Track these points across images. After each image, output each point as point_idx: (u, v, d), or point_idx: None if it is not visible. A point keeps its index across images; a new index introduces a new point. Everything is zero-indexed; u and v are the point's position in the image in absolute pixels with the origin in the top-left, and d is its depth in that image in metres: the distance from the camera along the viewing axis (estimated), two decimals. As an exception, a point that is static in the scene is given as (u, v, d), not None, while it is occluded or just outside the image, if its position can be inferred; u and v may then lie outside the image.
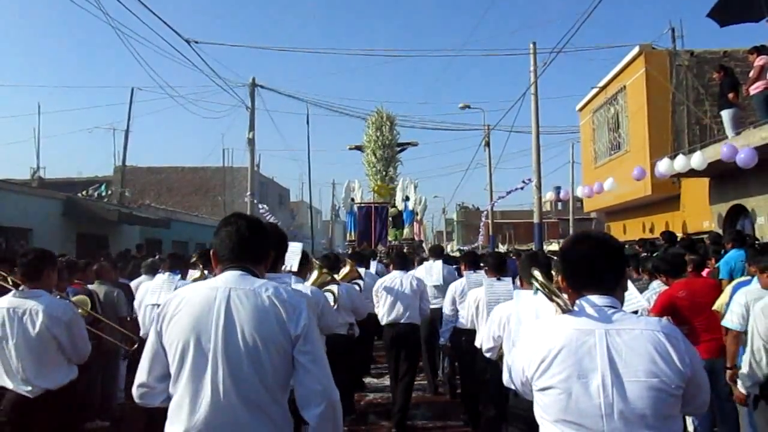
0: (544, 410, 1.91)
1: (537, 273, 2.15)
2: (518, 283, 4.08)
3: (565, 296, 2.03)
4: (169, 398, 2.02)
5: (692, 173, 11.05)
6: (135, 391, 2.11)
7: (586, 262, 1.98)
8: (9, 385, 3.58)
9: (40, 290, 3.68)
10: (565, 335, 1.87)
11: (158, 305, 3.61)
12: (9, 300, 3.63)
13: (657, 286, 5.76)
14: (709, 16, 10.24)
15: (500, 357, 3.82)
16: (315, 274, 4.78)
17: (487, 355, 3.96)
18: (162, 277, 5.85)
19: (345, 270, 5.79)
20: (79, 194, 20.50)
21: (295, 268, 5.19)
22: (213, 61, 45.61)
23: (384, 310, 6.44)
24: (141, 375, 2.09)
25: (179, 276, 5.46)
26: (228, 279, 2.07)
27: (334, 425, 2.01)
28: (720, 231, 11.29)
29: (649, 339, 1.83)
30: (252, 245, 2.17)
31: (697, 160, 9.64)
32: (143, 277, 6.86)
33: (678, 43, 13.65)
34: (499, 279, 4.85)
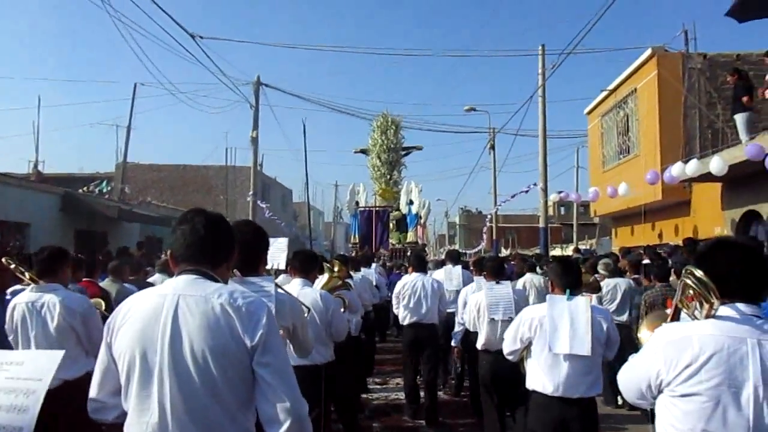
0: (678, 419, 1.82)
1: (699, 273, 1.96)
2: (549, 286, 4.01)
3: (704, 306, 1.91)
4: (123, 413, 1.87)
5: (706, 178, 10.78)
6: (89, 405, 1.97)
7: (737, 269, 1.91)
8: None
9: (57, 284, 3.90)
10: (716, 342, 1.80)
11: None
12: (28, 295, 3.85)
13: (659, 290, 5.63)
14: (728, 15, 10.00)
15: (521, 360, 3.79)
16: (326, 277, 4.64)
17: (509, 358, 3.87)
18: None
19: (323, 280, 5.73)
20: (80, 190, 20.30)
21: (282, 266, 5.25)
22: (218, 58, 45.15)
23: (406, 312, 6.65)
24: (92, 390, 1.95)
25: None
26: (178, 284, 1.88)
27: None
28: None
29: None
30: (210, 245, 1.95)
31: (717, 164, 9.36)
32: (157, 276, 6.85)
33: (691, 46, 13.42)
34: (497, 282, 5.17)
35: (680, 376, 1.81)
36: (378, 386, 8.11)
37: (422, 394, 6.68)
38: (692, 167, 10.33)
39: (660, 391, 1.87)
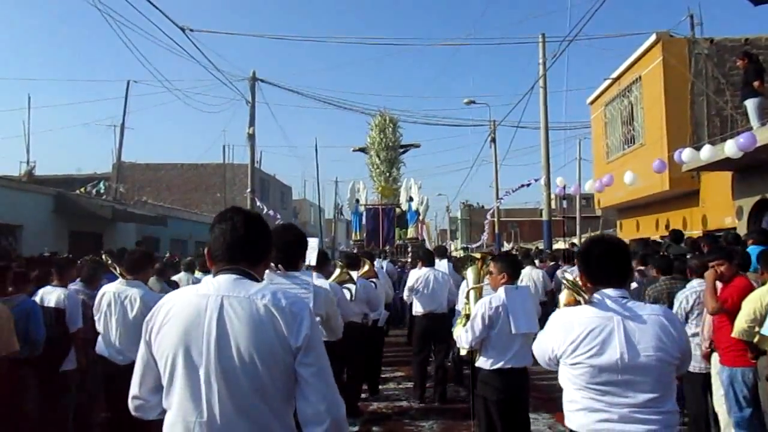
0: (571, 380, 2.39)
1: (569, 275, 2.76)
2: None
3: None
4: (164, 412, 1.87)
5: (715, 166, 10.41)
6: (130, 403, 1.98)
7: (603, 261, 2.46)
8: (105, 353, 4.65)
9: (140, 281, 4.74)
10: (589, 322, 2.35)
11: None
12: (116, 286, 4.68)
13: (697, 285, 5.31)
14: (742, -6, 9.58)
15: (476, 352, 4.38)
16: (337, 272, 5.30)
17: (468, 346, 4.35)
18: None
19: (364, 269, 6.62)
20: (77, 191, 19.96)
21: (313, 263, 6.12)
22: (212, 53, 44.82)
23: (421, 303, 7.37)
24: (134, 387, 1.96)
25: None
26: (221, 285, 1.88)
27: None
28: (745, 226, 10.68)
29: (655, 322, 2.32)
30: (249, 244, 1.96)
31: (731, 147, 8.96)
32: (182, 274, 7.40)
33: (697, 31, 12.98)
34: (516, 288, 5.32)
35: (566, 351, 2.36)
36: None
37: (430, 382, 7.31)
38: (705, 153, 9.92)
39: (558, 361, 2.43)
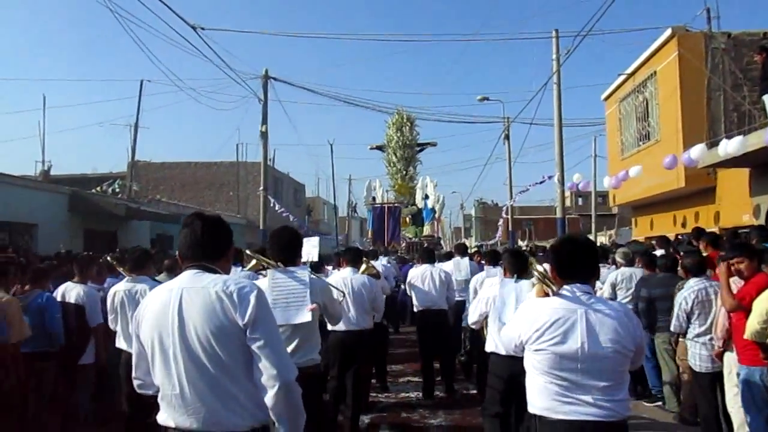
0: (534, 365, 2.58)
1: (539, 267, 2.80)
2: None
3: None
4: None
5: (731, 162, 10.21)
6: (133, 382, 2.39)
7: (572, 258, 2.66)
8: (124, 347, 4.82)
9: (146, 276, 5.01)
10: (555, 312, 2.53)
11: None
12: (124, 285, 4.94)
13: (695, 284, 5.27)
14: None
15: (481, 328, 4.75)
16: (364, 266, 5.87)
17: (474, 327, 4.87)
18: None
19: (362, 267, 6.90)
20: (94, 190, 20.13)
21: (315, 258, 6.92)
22: (224, 52, 44.73)
23: (417, 299, 7.50)
24: (134, 370, 2.37)
25: (240, 267, 5.71)
26: (183, 279, 2.23)
27: (288, 405, 2.10)
28: (763, 224, 10.46)
29: (615, 317, 2.52)
30: (207, 244, 2.29)
31: (735, 145, 8.78)
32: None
33: (713, 25, 12.72)
34: (516, 280, 5.44)
35: (531, 338, 2.55)
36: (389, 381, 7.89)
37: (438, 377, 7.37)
38: (718, 149, 9.72)
39: (524, 347, 2.61)
